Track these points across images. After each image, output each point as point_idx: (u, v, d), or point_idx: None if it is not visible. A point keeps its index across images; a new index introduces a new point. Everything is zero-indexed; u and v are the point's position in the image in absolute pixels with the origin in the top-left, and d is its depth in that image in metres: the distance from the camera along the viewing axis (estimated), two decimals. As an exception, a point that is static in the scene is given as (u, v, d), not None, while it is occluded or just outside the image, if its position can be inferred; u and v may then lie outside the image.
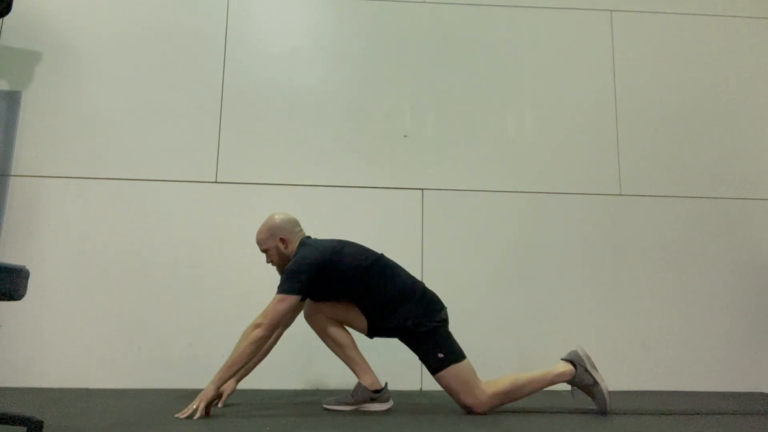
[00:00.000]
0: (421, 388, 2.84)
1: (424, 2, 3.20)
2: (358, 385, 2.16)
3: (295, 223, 2.21)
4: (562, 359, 2.18)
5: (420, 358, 2.13)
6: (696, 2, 3.33)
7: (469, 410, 2.09)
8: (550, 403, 2.38)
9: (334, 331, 2.18)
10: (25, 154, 2.91)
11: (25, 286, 1.58)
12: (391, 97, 3.11)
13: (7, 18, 2.97)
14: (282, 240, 2.16)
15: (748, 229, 3.11)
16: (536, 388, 2.12)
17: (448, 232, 3.00)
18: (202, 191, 2.94)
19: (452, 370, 2.07)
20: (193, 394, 2.53)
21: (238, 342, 1.98)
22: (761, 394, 2.85)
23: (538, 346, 2.93)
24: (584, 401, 2.31)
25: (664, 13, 3.30)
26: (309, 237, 2.23)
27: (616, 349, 2.95)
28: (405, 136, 3.08)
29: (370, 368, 2.19)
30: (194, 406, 1.91)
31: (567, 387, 2.86)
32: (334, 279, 2.10)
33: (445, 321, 2.16)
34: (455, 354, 2.10)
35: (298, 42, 3.12)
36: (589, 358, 2.13)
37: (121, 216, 2.89)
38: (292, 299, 2.00)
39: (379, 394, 2.16)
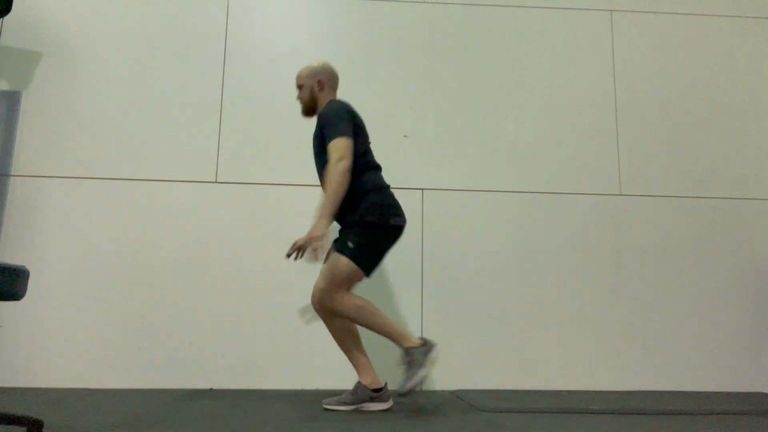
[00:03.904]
0: (421, 388, 2.84)
1: (424, 2, 3.20)
2: (358, 384, 2.16)
3: (336, 79, 2.35)
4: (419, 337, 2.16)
5: (338, 235, 2.17)
6: (696, 2, 3.33)
7: (314, 293, 2.11)
8: (551, 403, 2.38)
9: (342, 323, 2.19)
10: (25, 154, 2.91)
11: (25, 286, 1.58)
12: (391, 97, 3.11)
13: (7, 18, 2.97)
14: (319, 82, 2.29)
15: (748, 229, 3.11)
16: (380, 328, 2.09)
17: (448, 232, 3.00)
18: (202, 191, 2.94)
19: (343, 261, 2.09)
20: (193, 394, 2.54)
21: (328, 183, 2.04)
22: (761, 394, 2.85)
23: (538, 346, 2.93)
24: (584, 401, 2.31)
25: (664, 13, 3.30)
26: None
27: (616, 349, 2.95)
28: (405, 136, 3.08)
29: (371, 366, 2.19)
30: (313, 248, 1.99)
31: (566, 387, 2.88)
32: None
33: (390, 229, 2.14)
34: (362, 259, 2.10)
35: (298, 42, 3.12)
36: (433, 353, 2.09)
37: (121, 216, 2.89)
38: (350, 139, 2.11)
39: (378, 393, 2.16)
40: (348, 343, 2.21)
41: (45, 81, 2.98)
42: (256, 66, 3.08)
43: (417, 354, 2.06)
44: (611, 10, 3.27)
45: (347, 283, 2.11)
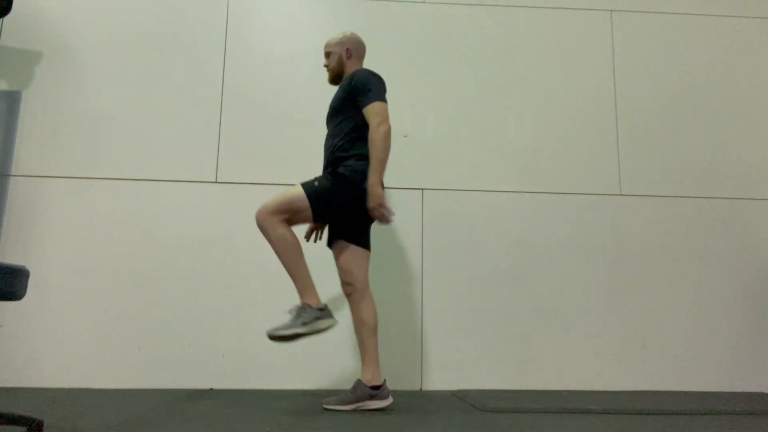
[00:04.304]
0: (421, 388, 2.84)
1: (425, 2, 3.20)
2: (358, 382, 2.16)
3: (364, 50, 2.45)
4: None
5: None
6: (696, 2, 3.33)
7: (258, 209, 2.12)
8: (551, 403, 2.38)
9: (363, 315, 2.19)
10: (25, 154, 2.91)
11: (25, 286, 1.58)
12: (391, 97, 3.10)
13: (7, 18, 2.97)
14: (347, 50, 2.38)
15: (748, 229, 3.11)
16: (293, 270, 2.09)
17: (448, 232, 3.00)
18: (202, 191, 2.94)
19: (297, 189, 2.15)
20: (193, 394, 2.54)
21: (371, 148, 2.14)
22: (762, 394, 2.85)
23: (538, 346, 2.93)
24: (584, 401, 2.31)
25: (664, 13, 3.30)
26: None
27: (616, 349, 2.95)
28: (405, 136, 3.08)
29: (377, 363, 2.19)
30: (384, 212, 2.12)
31: (566, 387, 2.88)
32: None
33: (360, 191, 2.16)
34: (317, 199, 2.13)
35: (298, 42, 3.12)
36: (324, 324, 2.05)
37: (121, 216, 2.89)
38: (386, 103, 2.21)
39: (378, 391, 2.16)
40: (363, 331, 2.21)
41: (45, 81, 2.98)
42: (256, 66, 3.08)
43: (309, 313, 2.05)
44: (611, 10, 3.27)
45: (290, 212, 2.12)
